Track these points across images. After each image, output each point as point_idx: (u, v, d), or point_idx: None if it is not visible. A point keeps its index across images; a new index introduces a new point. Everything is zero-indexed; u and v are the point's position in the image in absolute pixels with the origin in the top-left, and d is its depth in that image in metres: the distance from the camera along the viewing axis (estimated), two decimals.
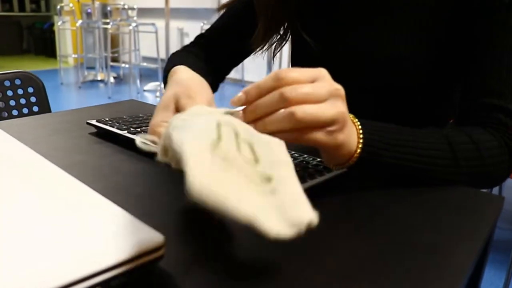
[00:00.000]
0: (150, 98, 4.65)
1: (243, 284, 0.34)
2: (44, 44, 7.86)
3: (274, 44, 0.83)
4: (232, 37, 0.86)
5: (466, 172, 0.56)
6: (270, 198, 0.31)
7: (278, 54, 0.86)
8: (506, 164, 0.59)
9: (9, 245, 0.31)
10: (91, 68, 5.79)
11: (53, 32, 7.29)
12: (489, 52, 0.63)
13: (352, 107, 0.73)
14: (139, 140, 0.42)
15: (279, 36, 0.81)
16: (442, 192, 0.53)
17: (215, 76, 0.86)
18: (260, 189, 0.32)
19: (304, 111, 0.40)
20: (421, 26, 0.68)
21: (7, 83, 1.09)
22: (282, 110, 0.40)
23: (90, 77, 5.56)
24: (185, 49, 0.87)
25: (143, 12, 6.16)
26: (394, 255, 0.39)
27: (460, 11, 0.66)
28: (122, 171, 0.56)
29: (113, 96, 4.65)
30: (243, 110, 0.42)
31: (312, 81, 0.42)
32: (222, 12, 0.88)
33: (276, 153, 0.35)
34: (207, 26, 3.72)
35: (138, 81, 5.09)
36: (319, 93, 0.41)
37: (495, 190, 2.23)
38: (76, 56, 6.01)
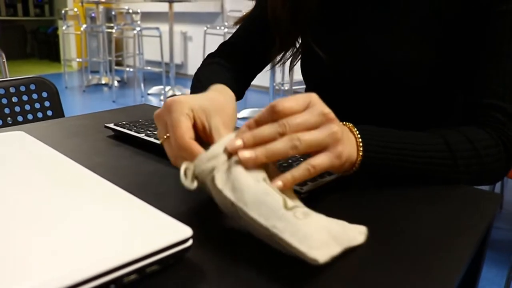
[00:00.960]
0: (154, 102, 4.69)
1: (263, 276, 0.37)
2: (48, 48, 7.93)
3: (290, 57, 0.87)
4: (255, 42, 0.89)
5: (464, 171, 0.59)
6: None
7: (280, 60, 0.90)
8: (504, 162, 0.62)
9: (58, 236, 0.35)
10: (95, 72, 5.84)
11: (57, 37, 7.35)
12: (491, 56, 0.66)
13: (360, 112, 0.76)
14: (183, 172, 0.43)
15: (295, 49, 0.85)
16: (443, 190, 0.57)
17: (240, 83, 0.88)
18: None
19: (298, 138, 0.43)
20: (427, 30, 0.71)
21: (22, 88, 1.13)
22: (282, 139, 0.43)
23: (94, 81, 5.61)
24: (210, 60, 0.88)
25: (146, 15, 6.21)
26: (398, 246, 0.42)
27: (465, 16, 0.69)
28: (142, 171, 0.60)
29: (117, 100, 4.69)
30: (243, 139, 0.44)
31: (305, 108, 0.45)
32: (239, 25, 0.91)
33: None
34: (210, 30, 3.74)
35: (142, 85, 5.13)
36: (310, 122, 0.44)
37: (497, 190, 2.26)
38: (80, 60, 6.07)
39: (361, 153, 0.52)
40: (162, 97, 4.80)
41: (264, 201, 0.38)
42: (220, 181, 0.41)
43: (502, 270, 1.73)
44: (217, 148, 0.43)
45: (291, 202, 0.39)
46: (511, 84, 0.65)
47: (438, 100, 0.77)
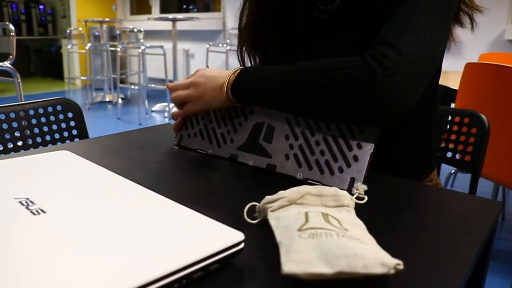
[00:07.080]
0: (158, 119, 4.77)
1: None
2: (51, 66, 8.03)
3: None
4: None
5: (310, 86, 0.66)
6: (361, 244, 0.42)
7: None
8: (366, 79, 0.62)
9: (133, 243, 0.41)
10: (99, 89, 5.92)
11: (60, 55, 7.46)
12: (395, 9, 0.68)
13: None
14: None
15: None
16: (447, 201, 0.63)
17: None
18: (352, 240, 0.43)
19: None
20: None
21: (50, 109, 1.20)
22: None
23: (98, 99, 5.70)
24: None
25: (149, 34, 6.32)
26: (407, 248, 0.49)
27: None
28: (182, 185, 0.66)
29: (122, 117, 4.77)
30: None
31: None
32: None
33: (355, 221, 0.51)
34: (213, 47, 3.84)
35: (146, 102, 5.21)
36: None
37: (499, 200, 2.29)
38: (85, 78, 6.16)
39: (229, 77, 0.75)
40: (166, 114, 4.88)
41: (289, 226, 0.47)
42: (269, 213, 0.53)
43: (505, 280, 1.79)
44: (279, 193, 0.54)
45: (312, 223, 0.46)
46: (405, 24, 0.65)
47: None
